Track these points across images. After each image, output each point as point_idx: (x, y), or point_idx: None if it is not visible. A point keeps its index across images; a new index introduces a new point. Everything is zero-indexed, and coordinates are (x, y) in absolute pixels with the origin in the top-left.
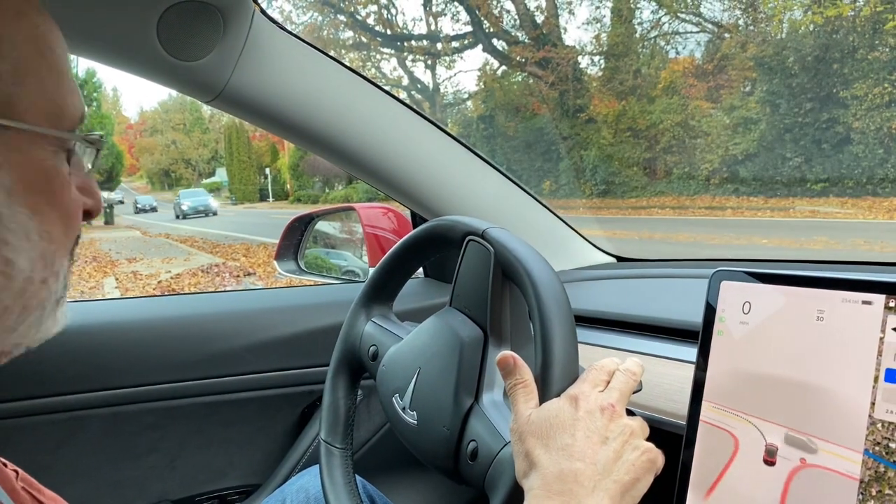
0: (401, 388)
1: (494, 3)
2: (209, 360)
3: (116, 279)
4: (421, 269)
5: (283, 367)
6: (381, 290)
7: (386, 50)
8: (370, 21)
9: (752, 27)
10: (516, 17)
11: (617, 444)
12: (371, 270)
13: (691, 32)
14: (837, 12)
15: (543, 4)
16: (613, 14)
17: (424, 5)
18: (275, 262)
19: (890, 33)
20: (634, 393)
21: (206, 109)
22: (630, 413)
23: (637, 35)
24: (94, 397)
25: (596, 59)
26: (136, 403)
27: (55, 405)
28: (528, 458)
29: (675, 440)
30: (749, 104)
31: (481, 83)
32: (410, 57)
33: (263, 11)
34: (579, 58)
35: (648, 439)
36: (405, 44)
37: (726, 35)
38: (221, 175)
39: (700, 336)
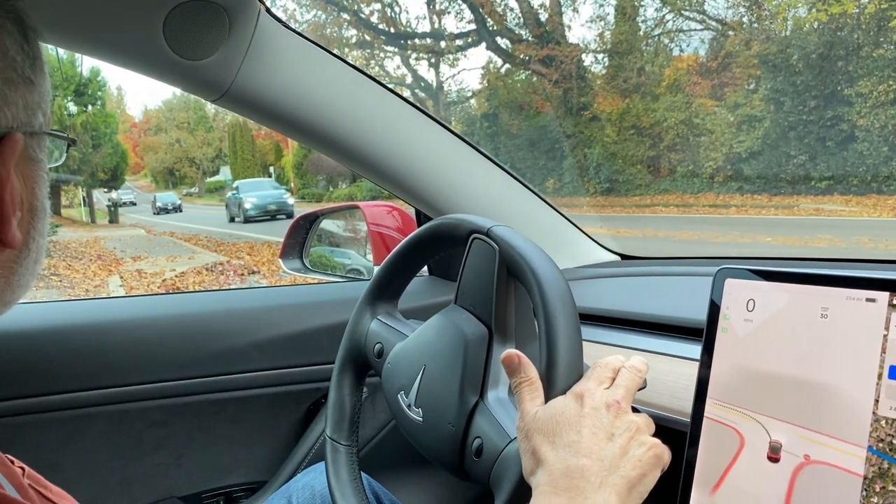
0: (406, 386)
1: (498, 0)
2: (214, 357)
3: (121, 277)
4: (425, 267)
5: (288, 365)
6: (387, 288)
7: (389, 48)
8: (373, 19)
9: (756, 25)
10: (520, 14)
11: (623, 440)
12: (376, 268)
13: (695, 30)
14: (842, 9)
15: (547, 2)
16: (617, 11)
17: (428, 3)
18: (280, 261)
19: (895, 30)
20: (639, 390)
21: (210, 108)
22: (635, 410)
23: (641, 33)
24: (101, 395)
25: (600, 56)
26: (142, 401)
27: (62, 403)
28: (534, 455)
29: (679, 437)
30: (753, 102)
31: (485, 81)
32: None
33: (269, 10)
34: (583, 55)
35: (654, 436)
36: (409, 42)
37: (730, 32)
38: (225, 173)
39: (704, 333)
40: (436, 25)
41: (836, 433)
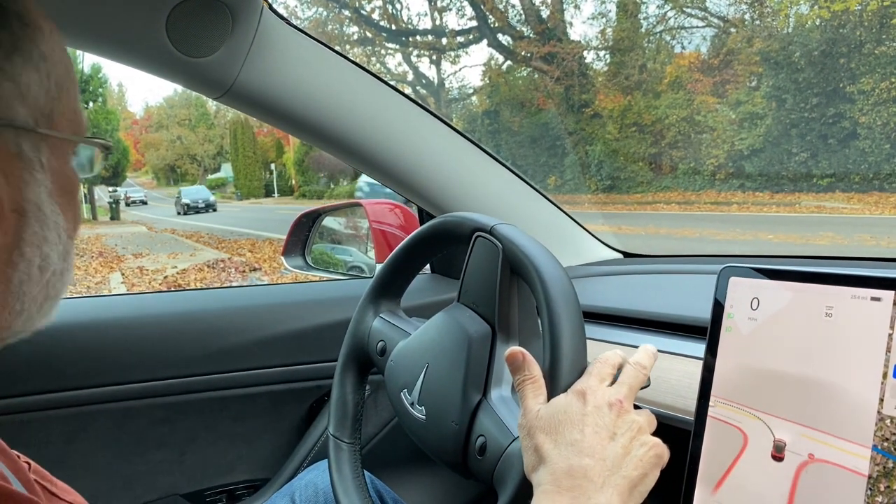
0: (409, 384)
1: None
2: (217, 355)
3: (122, 274)
4: (428, 265)
5: (290, 363)
6: (390, 286)
7: (391, 45)
8: (375, 16)
9: (758, 22)
10: (521, 11)
11: (625, 439)
12: (379, 266)
13: (697, 27)
14: (844, 6)
15: None
16: (619, 9)
17: (429, 0)
18: (282, 258)
19: None
20: (642, 388)
21: (212, 105)
22: (637, 407)
23: (643, 30)
24: (104, 392)
25: (601, 53)
26: (146, 398)
27: (65, 400)
28: (537, 452)
29: (683, 436)
30: (755, 99)
31: (486, 78)
32: (415, 52)
33: (271, 7)
34: (585, 53)
35: (656, 434)
36: (410, 39)
37: (732, 30)
38: (227, 171)
39: (708, 332)
40: (437, 22)
41: (840, 432)
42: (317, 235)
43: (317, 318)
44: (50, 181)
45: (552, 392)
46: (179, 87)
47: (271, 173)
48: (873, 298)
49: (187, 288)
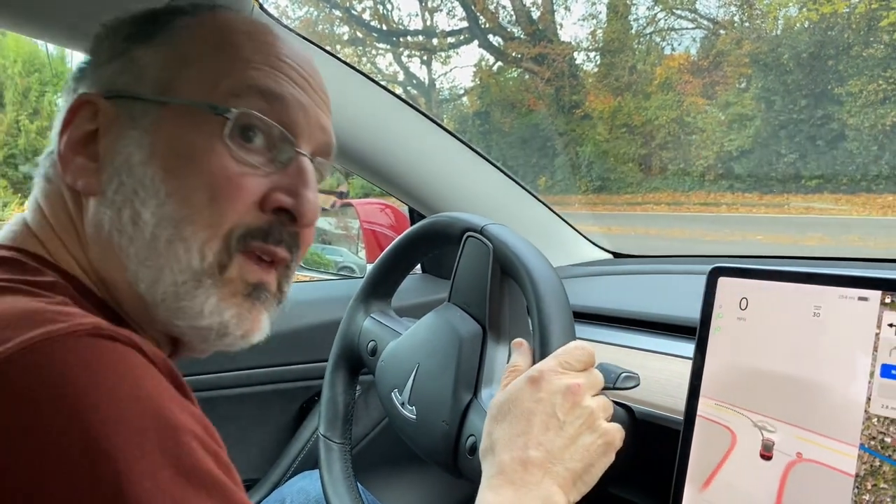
0: (400, 384)
1: None
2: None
3: None
4: (419, 265)
5: (281, 363)
6: (380, 286)
7: (381, 45)
8: (365, 16)
9: (747, 24)
10: (512, 12)
11: (573, 429)
12: (369, 266)
13: (687, 29)
14: (833, 9)
15: (539, 0)
16: (609, 10)
17: (420, 1)
18: None
19: (885, 30)
20: (632, 388)
21: None
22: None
23: (633, 31)
24: None
25: (592, 55)
26: None
27: None
28: (489, 438)
29: (672, 435)
30: (744, 101)
31: (477, 79)
32: (406, 52)
33: (262, 7)
34: (575, 54)
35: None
36: (401, 39)
37: (722, 31)
38: None
39: (697, 331)
40: (428, 23)
41: (828, 431)
42: None
43: (307, 319)
44: (154, 142)
45: None
46: None
47: None
48: (860, 298)
49: None
